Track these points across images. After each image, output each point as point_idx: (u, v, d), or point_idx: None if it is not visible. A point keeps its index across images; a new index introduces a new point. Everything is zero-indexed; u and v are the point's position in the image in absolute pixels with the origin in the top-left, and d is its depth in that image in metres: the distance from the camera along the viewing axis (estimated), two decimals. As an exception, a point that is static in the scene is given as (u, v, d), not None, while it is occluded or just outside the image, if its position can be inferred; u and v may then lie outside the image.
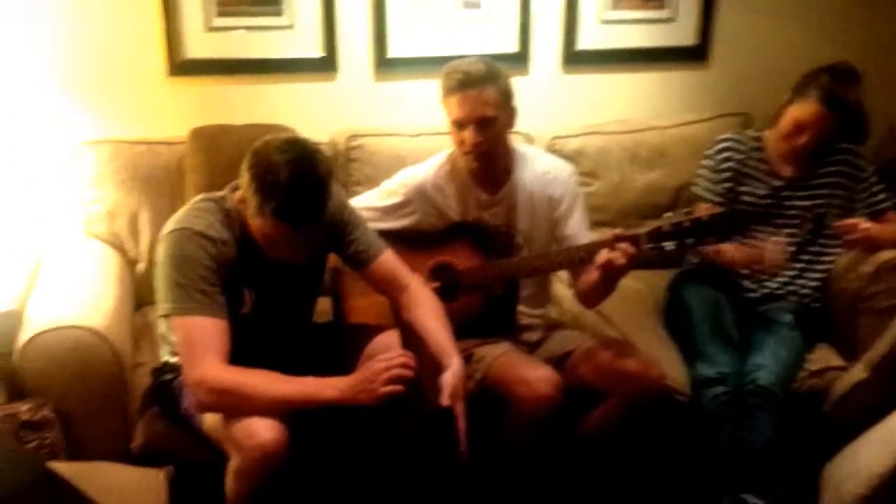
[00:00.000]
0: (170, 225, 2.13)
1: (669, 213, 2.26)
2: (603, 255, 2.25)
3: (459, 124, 2.42)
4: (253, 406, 2.03)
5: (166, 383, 2.31)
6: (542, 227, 2.57)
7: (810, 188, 2.83)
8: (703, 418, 2.55)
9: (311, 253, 2.20)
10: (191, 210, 2.16)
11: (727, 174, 2.84)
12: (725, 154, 2.86)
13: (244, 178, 2.03)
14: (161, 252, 2.11)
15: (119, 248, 2.93)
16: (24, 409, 2.27)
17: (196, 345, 2.06)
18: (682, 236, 2.21)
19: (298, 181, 1.98)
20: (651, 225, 2.27)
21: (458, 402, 2.12)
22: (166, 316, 2.10)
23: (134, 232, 2.92)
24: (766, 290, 2.85)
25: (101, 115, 3.00)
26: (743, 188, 2.84)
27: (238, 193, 2.13)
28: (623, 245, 2.23)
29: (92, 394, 2.34)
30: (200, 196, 2.23)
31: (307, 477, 2.21)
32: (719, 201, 2.81)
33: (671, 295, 2.96)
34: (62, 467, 2.08)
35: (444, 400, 2.09)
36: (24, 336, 2.31)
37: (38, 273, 2.69)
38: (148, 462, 2.21)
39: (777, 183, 2.83)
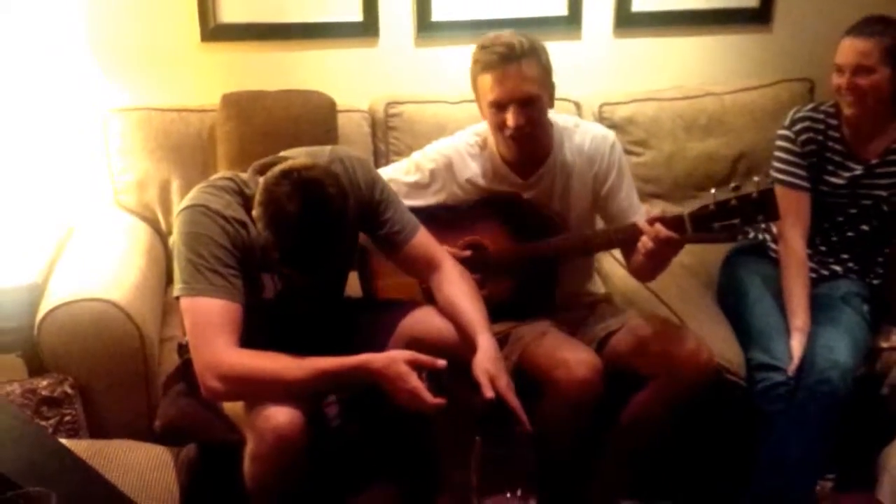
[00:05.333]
0: (185, 202, 2.02)
1: (714, 190, 2.06)
2: (646, 244, 2.09)
3: (499, 105, 2.23)
4: (268, 392, 1.92)
5: (190, 361, 2.19)
6: (579, 206, 2.39)
7: (891, 175, 2.52)
8: (755, 409, 2.38)
9: (329, 274, 2.14)
10: (208, 187, 2.03)
11: (812, 159, 2.55)
12: (806, 135, 2.55)
13: (256, 209, 1.90)
14: (175, 230, 2.00)
15: (150, 219, 2.87)
16: (43, 384, 2.23)
17: (205, 329, 1.93)
18: (729, 216, 2.02)
19: (304, 231, 1.84)
20: (696, 205, 2.09)
21: (499, 382, 1.97)
22: (177, 298, 1.98)
23: (165, 202, 2.84)
24: (826, 272, 2.63)
25: (133, 83, 2.94)
26: (822, 175, 2.56)
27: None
28: (666, 232, 2.06)
29: (112, 369, 2.27)
30: (220, 174, 2.11)
31: (328, 463, 2.12)
32: (806, 187, 2.55)
33: (724, 273, 2.76)
34: (68, 445, 2.03)
35: (487, 393, 1.95)
36: (43, 309, 2.25)
37: (65, 245, 2.63)
38: (171, 441, 2.13)
39: (857, 171, 2.54)
